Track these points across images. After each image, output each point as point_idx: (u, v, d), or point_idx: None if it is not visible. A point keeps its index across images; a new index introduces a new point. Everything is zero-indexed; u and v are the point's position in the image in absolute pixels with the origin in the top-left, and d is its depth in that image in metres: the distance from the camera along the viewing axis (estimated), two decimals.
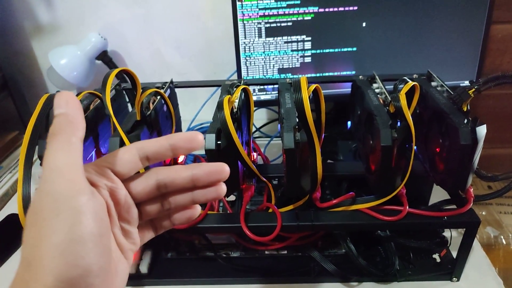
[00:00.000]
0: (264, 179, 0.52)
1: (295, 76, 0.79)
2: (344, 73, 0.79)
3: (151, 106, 0.54)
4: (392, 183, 0.50)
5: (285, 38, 0.75)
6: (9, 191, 0.80)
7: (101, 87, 0.44)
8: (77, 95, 0.51)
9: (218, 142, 0.46)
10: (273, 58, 0.77)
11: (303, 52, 0.77)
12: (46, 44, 0.91)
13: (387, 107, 0.50)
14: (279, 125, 0.68)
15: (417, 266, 0.56)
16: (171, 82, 0.64)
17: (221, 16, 0.88)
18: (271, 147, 0.86)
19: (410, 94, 0.49)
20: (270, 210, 0.53)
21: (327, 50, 0.77)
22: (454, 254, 0.55)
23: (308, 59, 0.77)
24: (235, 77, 0.86)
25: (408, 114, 0.46)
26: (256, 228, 0.50)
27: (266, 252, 0.59)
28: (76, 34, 0.89)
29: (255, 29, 0.74)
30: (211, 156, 0.47)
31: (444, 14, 0.74)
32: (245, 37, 0.75)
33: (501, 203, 0.90)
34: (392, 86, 0.57)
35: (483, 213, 0.89)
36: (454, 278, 0.55)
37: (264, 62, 0.78)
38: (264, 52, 0.76)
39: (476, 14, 0.75)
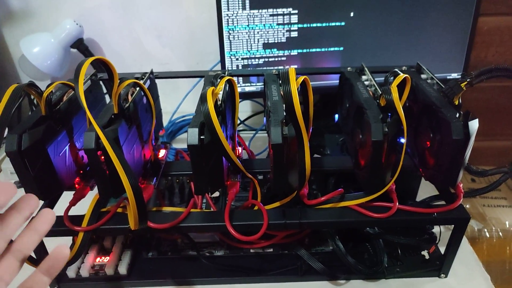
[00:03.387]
0: (250, 176, 0.50)
1: (281, 68, 0.77)
2: (332, 49, 0.76)
3: (130, 98, 0.51)
4: (382, 179, 0.48)
5: (270, 10, 0.71)
6: None
7: (74, 77, 0.41)
8: (49, 85, 0.47)
9: (202, 137, 0.44)
10: (258, 32, 0.73)
11: (289, 26, 0.73)
12: (18, 32, 0.86)
13: (378, 100, 0.49)
14: (264, 118, 0.66)
15: (405, 263, 0.54)
16: (151, 72, 0.60)
17: (204, 4, 0.84)
18: (256, 141, 0.84)
19: (400, 87, 0.48)
20: (256, 208, 0.51)
21: (315, 25, 0.73)
22: (442, 249, 0.54)
23: (294, 34, 0.73)
24: (218, 67, 0.84)
25: (400, 108, 0.44)
26: (241, 226, 0.48)
27: (252, 251, 0.57)
28: (49, 21, 0.84)
29: (238, 0, 0.70)
30: (194, 151, 0.44)
31: (433, 6, 0.73)
32: (228, 9, 0.70)
33: (485, 196, 0.91)
34: (381, 78, 0.55)
35: (467, 206, 0.89)
36: (442, 275, 0.54)
37: (248, 36, 0.73)
38: (248, 25, 0.72)
39: (465, 6, 0.74)
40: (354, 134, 0.53)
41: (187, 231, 0.53)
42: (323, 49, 0.76)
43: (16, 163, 0.44)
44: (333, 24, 0.73)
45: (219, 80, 0.49)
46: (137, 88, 0.54)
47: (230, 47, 0.74)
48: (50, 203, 0.54)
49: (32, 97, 0.48)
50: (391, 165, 0.47)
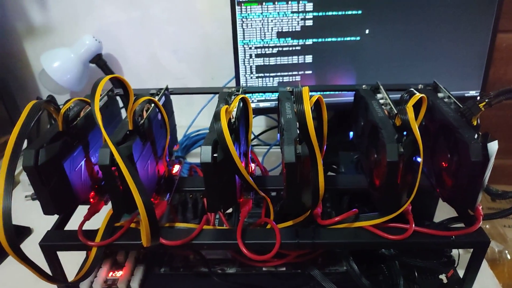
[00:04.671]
0: (263, 194, 0.50)
1: (295, 87, 0.76)
2: (348, 38, 0.73)
3: (145, 115, 0.52)
4: (398, 200, 0.47)
5: None
6: None
7: (90, 94, 0.42)
8: (67, 102, 0.48)
9: (215, 155, 0.44)
10: (272, 20, 0.71)
11: (304, 14, 0.71)
12: (39, 46, 0.89)
13: (393, 120, 0.48)
14: (278, 134, 0.66)
15: (422, 287, 0.53)
16: (166, 88, 0.61)
17: (220, 20, 0.85)
18: (270, 156, 0.83)
19: (416, 106, 0.47)
20: (269, 226, 0.50)
21: (331, 13, 0.71)
22: (461, 272, 0.52)
23: (309, 23, 0.72)
24: (233, 83, 0.84)
25: (416, 129, 0.43)
26: (254, 245, 0.47)
27: (264, 269, 0.57)
28: (69, 36, 0.87)
29: None
30: (207, 169, 0.44)
31: (450, 22, 0.72)
32: None
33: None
34: (396, 96, 0.55)
35: (487, 226, 0.86)
36: None
37: (262, 25, 0.72)
38: (262, 13, 0.71)
39: (483, 22, 0.73)
40: (369, 153, 0.52)
41: (199, 248, 0.53)
42: (339, 39, 0.73)
43: (33, 178, 0.44)
44: (349, 12, 0.71)
45: (233, 98, 0.49)
46: (152, 104, 0.54)
47: (243, 35, 0.72)
48: (65, 217, 0.54)
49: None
50: (407, 186, 0.46)
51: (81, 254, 0.57)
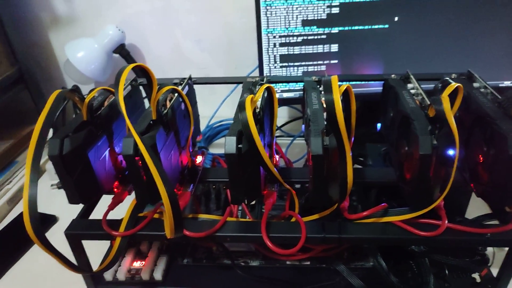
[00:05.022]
0: (288, 187, 0.48)
1: (322, 77, 0.74)
2: (376, 26, 0.70)
3: (168, 104, 0.51)
4: (430, 195, 0.45)
5: None
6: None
7: (114, 83, 0.41)
8: (91, 91, 0.48)
9: (239, 146, 0.43)
10: (297, 8, 0.69)
11: (330, 1, 0.68)
12: (63, 36, 0.89)
13: (425, 111, 0.46)
14: (303, 125, 0.64)
15: (453, 285, 0.51)
16: (190, 78, 0.60)
17: (243, 9, 0.84)
18: (293, 147, 0.82)
19: (450, 97, 0.44)
20: (293, 219, 0.49)
21: (358, 0, 0.68)
22: (495, 272, 0.50)
23: (335, 10, 0.69)
24: (256, 73, 0.83)
25: (452, 120, 0.41)
26: (278, 238, 0.46)
27: (288, 263, 0.55)
28: (93, 26, 0.87)
29: None
30: (231, 160, 0.43)
31: (485, 8, 0.68)
32: None
33: None
34: (427, 86, 0.52)
35: None
36: None
37: (287, 13, 0.69)
38: (286, 1, 0.68)
39: None
40: (399, 146, 0.50)
41: (222, 240, 0.52)
42: (366, 27, 0.71)
43: (58, 167, 0.44)
44: None
45: (258, 87, 0.48)
46: (176, 94, 0.53)
47: (267, 24, 0.70)
48: (89, 207, 0.54)
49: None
50: (440, 180, 0.44)
51: (105, 243, 0.57)
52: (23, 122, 0.90)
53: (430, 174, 0.43)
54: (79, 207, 0.52)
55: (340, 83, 0.43)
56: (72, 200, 0.47)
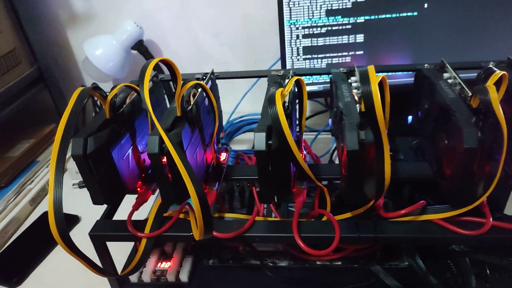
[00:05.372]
0: (320, 184, 0.46)
1: (358, 67, 0.71)
2: (405, 14, 0.67)
3: (192, 100, 0.49)
4: (473, 191, 0.42)
5: None
6: (45, 186, 0.78)
7: (139, 79, 0.39)
8: (113, 88, 0.46)
9: (269, 142, 0.40)
10: None
11: None
12: (81, 34, 0.88)
13: (467, 101, 0.43)
14: (330, 119, 0.61)
15: (495, 286, 0.48)
16: (212, 73, 0.58)
17: (263, 0, 0.81)
18: (318, 143, 0.79)
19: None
20: (325, 218, 0.47)
21: None
22: None
23: None
24: (278, 66, 0.80)
25: (499, 110, 0.38)
26: (310, 238, 0.44)
27: (318, 263, 0.53)
28: (111, 23, 0.85)
29: None
30: (261, 157, 0.41)
31: None
32: None
33: None
34: (464, 76, 0.49)
35: None
36: None
37: (310, 3, 0.66)
38: None
39: None
40: (437, 139, 0.47)
41: (251, 241, 0.50)
42: (393, 15, 0.67)
43: (82, 167, 0.43)
44: None
45: (287, 80, 0.45)
46: (199, 90, 0.52)
47: (290, 15, 0.67)
48: (113, 207, 0.53)
49: (96, 98, 0.47)
50: (485, 176, 0.41)
51: (128, 243, 0.56)
52: (43, 121, 0.90)
53: (474, 169, 0.40)
54: (102, 207, 0.50)
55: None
56: (96, 200, 0.46)
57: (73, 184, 0.77)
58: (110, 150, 0.44)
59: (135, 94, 0.53)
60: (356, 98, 0.47)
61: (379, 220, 0.45)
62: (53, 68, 0.90)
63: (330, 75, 0.56)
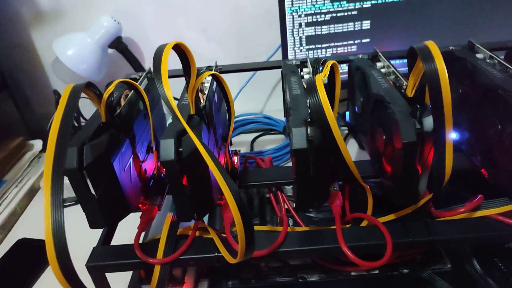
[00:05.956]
0: (364, 184, 0.40)
1: (420, 44, 0.66)
2: None
3: (202, 96, 0.42)
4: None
5: None
6: (16, 209, 0.67)
7: (153, 69, 0.32)
8: (108, 85, 0.38)
9: (310, 138, 0.34)
10: None
11: None
12: (49, 34, 0.78)
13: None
14: (347, 112, 0.56)
15: None
16: (216, 65, 0.51)
17: None
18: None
19: None
20: (364, 223, 0.41)
21: None
22: None
23: None
24: (275, 58, 0.74)
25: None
26: (358, 248, 0.38)
27: (353, 273, 0.47)
28: (83, 19, 0.76)
29: None
30: (300, 157, 0.34)
31: None
32: None
33: None
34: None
35: None
36: None
37: None
38: None
39: None
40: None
41: (288, 256, 0.43)
42: None
43: (77, 183, 0.34)
44: None
45: (322, 66, 0.39)
46: (207, 85, 0.44)
47: (292, 1, 0.62)
48: (110, 230, 0.45)
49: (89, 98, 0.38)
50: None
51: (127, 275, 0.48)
52: (8, 134, 0.78)
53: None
54: (88, 229, 0.41)
55: None
56: (94, 224, 0.37)
57: None
58: (111, 161, 0.36)
59: (131, 92, 0.45)
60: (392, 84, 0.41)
61: (430, 221, 0.40)
62: (17, 74, 0.79)
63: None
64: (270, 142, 0.76)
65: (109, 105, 0.38)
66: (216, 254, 0.38)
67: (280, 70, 0.56)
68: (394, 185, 0.37)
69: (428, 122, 0.34)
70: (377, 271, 0.47)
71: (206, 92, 0.42)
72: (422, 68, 0.34)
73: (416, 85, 0.37)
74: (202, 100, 0.40)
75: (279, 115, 0.81)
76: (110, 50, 0.76)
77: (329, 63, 0.37)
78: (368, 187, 0.40)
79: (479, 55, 0.47)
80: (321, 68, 0.42)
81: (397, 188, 0.37)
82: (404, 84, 0.40)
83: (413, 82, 0.37)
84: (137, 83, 0.42)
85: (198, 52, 0.81)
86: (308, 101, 0.35)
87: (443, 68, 0.31)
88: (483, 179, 0.43)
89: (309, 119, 0.35)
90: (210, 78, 0.46)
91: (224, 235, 0.40)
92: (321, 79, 0.34)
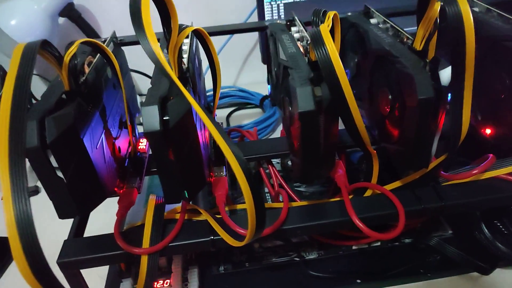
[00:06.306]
0: (372, 150, 0.36)
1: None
2: None
3: (185, 58, 0.36)
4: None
5: None
6: None
7: (131, 14, 0.26)
8: (69, 46, 0.31)
9: (318, 98, 0.30)
10: None
11: None
12: None
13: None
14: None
15: None
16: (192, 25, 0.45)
17: None
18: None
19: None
20: (369, 193, 0.37)
21: None
22: None
23: None
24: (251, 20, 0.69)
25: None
26: (368, 219, 0.34)
27: (354, 247, 0.44)
28: None
29: None
30: (308, 121, 0.30)
31: None
32: None
33: None
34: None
35: None
36: None
37: None
38: None
39: None
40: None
41: (293, 234, 0.39)
42: None
43: (39, 164, 0.28)
44: None
45: (321, 18, 0.34)
46: (185, 47, 0.39)
47: None
48: (82, 219, 0.38)
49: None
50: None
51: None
52: None
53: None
54: (53, 220, 0.34)
55: None
56: (64, 213, 0.31)
57: None
58: (80, 136, 0.30)
59: (96, 58, 0.38)
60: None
61: (438, 186, 0.37)
62: None
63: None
64: (247, 117, 0.71)
65: (72, 69, 0.31)
66: (212, 237, 0.34)
67: (255, 37, 0.51)
68: (405, 149, 0.34)
69: (445, 75, 0.31)
70: (378, 243, 0.44)
71: (187, 54, 0.37)
72: (433, 16, 0.30)
73: (426, 37, 0.33)
74: (184, 62, 0.35)
75: (254, 88, 0.77)
76: (61, 19, 0.66)
77: (331, 13, 0.32)
78: (375, 152, 0.36)
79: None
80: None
81: (408, 152, 0.34)
82: (405, 39, 0.36)
83: (423, 33, 0.33)
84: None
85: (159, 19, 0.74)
86: (306, 58, 0.30)
87: (468, 11, 0.27)
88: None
89: (312, 77, 0.31)
90: (187, 40, 0.41)
91: (219, 216, 0.35)
92: (327, 29, 0.29)
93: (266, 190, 0.50)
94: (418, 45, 0.33)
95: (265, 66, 0.75)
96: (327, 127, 0.31)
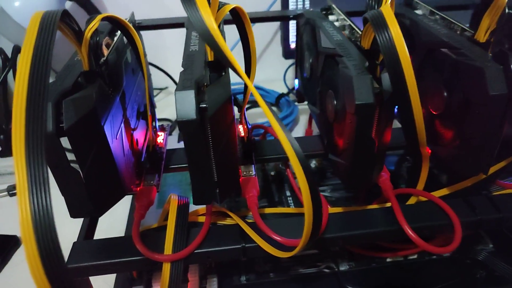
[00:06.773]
0: (424, 150, 0.32)
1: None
2: None
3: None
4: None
5: None
6: None
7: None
8: (89, 20, 0.27)
9: (376, 90, 0.26)
10: None
11: None
12: None
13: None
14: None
15: None
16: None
17: None
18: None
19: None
20: (414, 200, 0.34)
21: None
22: None
23: None
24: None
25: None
26: (419, 229, 0.30)
27: (388, 260, 0.40)
28: None
29: None
30: (367, 115, 0.26)
31: None
32: None
33: None
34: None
35: None
36: None
37: None
38: None
39: None
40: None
41: (334, 244, 0.35)
42: None
43: (53, 154, 0.24)
44: None
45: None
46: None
47: None
48: (92, 220, 0.34)
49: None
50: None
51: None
52: None
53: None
54: (60, 219, 0.30)
55: None
56: (77, 211, 0.27)
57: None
58: (101, 123, 0.25)
59: (116, 37, 0.34)
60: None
61: (491, 195, 0.33)
62: None
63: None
64: (262, 115, 0.67)
65: (93, 47, 0.27)
66: (243, 245, 0.30)
67: (271, 32, 0.45)
68: (465, 152, 0.30)
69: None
70: (415, 256, 0.41)
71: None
72: (502, 4, 0.27)
73: (491, 28, 0.30)
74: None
75: (269, 85, 0.73)
76: (68, 3, 0.62)
77: None
78: (428, 154, 0.33)
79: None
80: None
81: (468, 155, 0.30)
82: (460, 31, 0.33)
83: (488, 23, 0.30)
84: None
85: (170, 5, 0.70)
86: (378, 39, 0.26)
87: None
88: None
89: (367, 67, 0.27)
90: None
91: (250, 221, 0.31)
92: (391, 10, 0.26)
93: (288, 193, 0.46)
94: (482, 37, 0.30)
95: (283, 62, 0.72)
96: (383, 124, 0.27)
